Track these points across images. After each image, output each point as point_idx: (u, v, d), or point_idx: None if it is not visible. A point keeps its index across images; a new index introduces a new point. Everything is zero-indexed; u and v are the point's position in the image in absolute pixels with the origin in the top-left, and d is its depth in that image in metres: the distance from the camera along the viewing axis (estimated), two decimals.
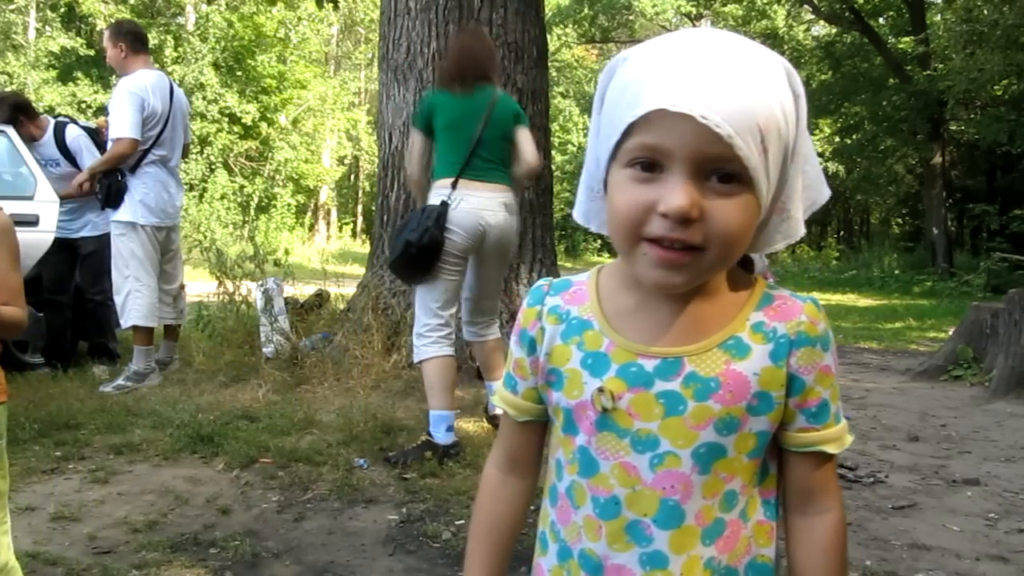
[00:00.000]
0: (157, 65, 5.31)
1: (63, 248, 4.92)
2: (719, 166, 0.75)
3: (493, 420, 3.71)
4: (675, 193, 0.75)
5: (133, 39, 4.74)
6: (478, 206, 3.34)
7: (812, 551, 0.88)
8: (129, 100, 4.54)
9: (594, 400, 0.84)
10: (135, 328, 4.62)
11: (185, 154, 5.09)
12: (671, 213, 0.75)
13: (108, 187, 4.58)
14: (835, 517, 0.90)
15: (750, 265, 0.89)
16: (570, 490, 0.87)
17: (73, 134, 5.11)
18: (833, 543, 0.89)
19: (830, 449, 0.88)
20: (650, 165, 0.77)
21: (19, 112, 4.99)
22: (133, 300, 4.59)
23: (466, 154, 3.34)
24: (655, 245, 0.77)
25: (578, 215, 0.93)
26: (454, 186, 3.34)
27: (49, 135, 5.08)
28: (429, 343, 3.33)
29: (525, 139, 3.46)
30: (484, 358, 3.71)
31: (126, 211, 4.61)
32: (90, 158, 4.96)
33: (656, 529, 0.83)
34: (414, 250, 3.24)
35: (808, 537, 0.89)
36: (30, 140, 4.97)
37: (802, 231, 0.88)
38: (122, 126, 4.51)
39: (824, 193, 0.88)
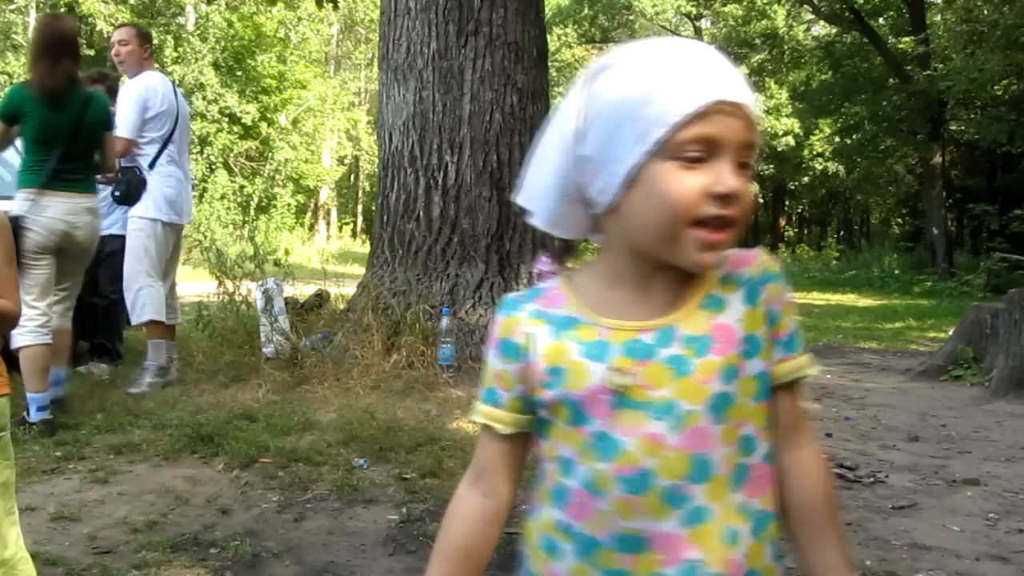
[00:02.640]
0: (157, 66, 5.36)
1: None
2: (747, 152, 0.84)
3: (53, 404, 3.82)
4: (730, 176, 0.82)
5: (151, 43, 4.95)
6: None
7: (804, 484, 0.93)
8: (131, 102, 4.60)
9: (606, 382, 0.87)
10: (151, 323, 4.63)
11: None
12: (731, 193, 0.82)
13: (128, 183, 4.59)
14: (815, 448, 0.96)
15: None
16: (590, 482, 0.88)
17: None
18: (821, 472, 0.94)
19: (810, 372, 0.93)
20: (700, 155, 0.82)
21: None
22: (146, 296, 4.60)
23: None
24: (703, 228, 0.83)
25: (542, 222, 0.94)
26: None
27: None
28: (25, 332, 3.60)
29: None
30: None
31: (147, 207, 4.62)
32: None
33: (693, 486, 0.86)
34: None
35: (798, 470, 0.93)
36: None
37: None
38: (120, 124, 4.53)
39: None
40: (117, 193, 4.64)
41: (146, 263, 4.63)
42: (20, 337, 3.60)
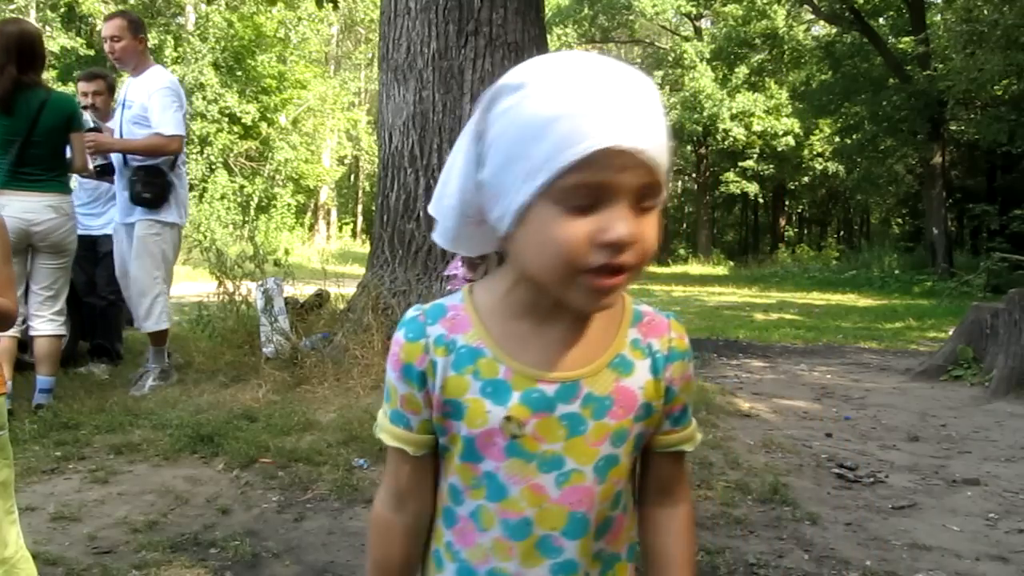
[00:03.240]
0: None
1: (85, 247, 4.90)
2: (648, 194, 0.79)
3: (36, 410, 3.92)
4: (620, 223, 0.77)
5: (146, 35, 4.72)
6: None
7: (670, 539, 0.97)
8: (171, 96, 4.49)
9: (503, 428, 0.87)
10: (162, 331, 4.60)
11: None
12: (620, 242, 0.77)
13: (161, 187, 4.49)
14: (688, 507, 1.00)
15: None
16: (476, 514, 0.90)
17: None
18: (689, 530, 0.99)
19: (688, 447, 0.97)
20: (588, 203, 0.77)
21: None
22: (163, 303, 4.56)
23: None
24: (595, 275, 0.79)
25: (444, 241, 0.91)
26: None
27: None
28: None
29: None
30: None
31: (170, 212, 4.57)
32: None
33: (566, 540, 0.88)
34: None
35: (668, 524, 0.98)
36: None
37: None
38: (171, 123, 4.45)
39: None
40: (147, 195, 4.49)
41: (164, 268, 4.58)
42: None
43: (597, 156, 0.75)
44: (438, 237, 0.92)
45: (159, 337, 4.63)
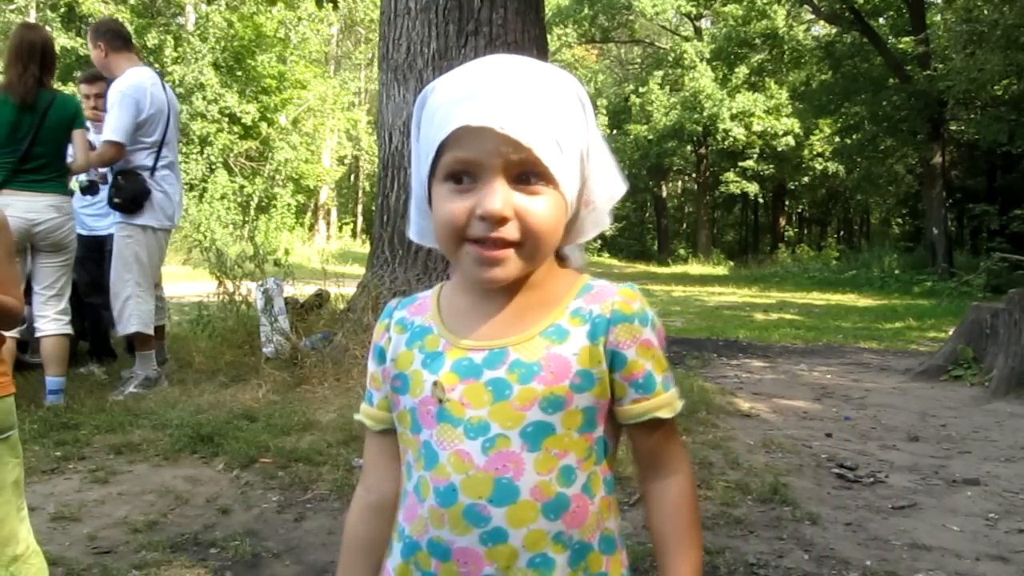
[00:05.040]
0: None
1: (91, 247, 4.89)
2: (524, 170, 0.87)
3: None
4: (489, 197, 0.86)
5: (112, 37, 4.58)
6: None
7: (664, 512, 0.96)
8: (121, 102, 4.40)
9: (432, 393, 0.92)
10: (137, 335, 4.51)
11: None
12: (488, 215, 0.86)
13: (130, 190, 4.44)
14: (681, 478, 0.97)
15: (565, 261, 1.01)
16: (417, 486, 0.93)
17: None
18: (682, 502, 0.96)
19: (662, 414, 0.94)
20: (464, 176, 0.88)
21: None
22: (134, 306, 4.48)
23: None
24: (476, 245, 0.88)
25: (413, 234, 1.01)
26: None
27: None
28: None
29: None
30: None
31: (144, 216, 4.50)
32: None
33: (492, 508, 0.88)
34: None
35: (660, 499, 0.96)
36: None
37: (608, 221, 1.00)
38: (110, 129, 4.38)
39: (620, 186, 0.99)
40: (118, 200, 4.47)
41: (136, 271, 4.49)
42: None
43: (461, 133, 0.86)
44: (410, 232, 1.02)
45: (140, 342, 4.55)
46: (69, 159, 4.27)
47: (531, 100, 0.87)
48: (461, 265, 0.91)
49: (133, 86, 4.46)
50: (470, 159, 0.87)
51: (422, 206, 0.96)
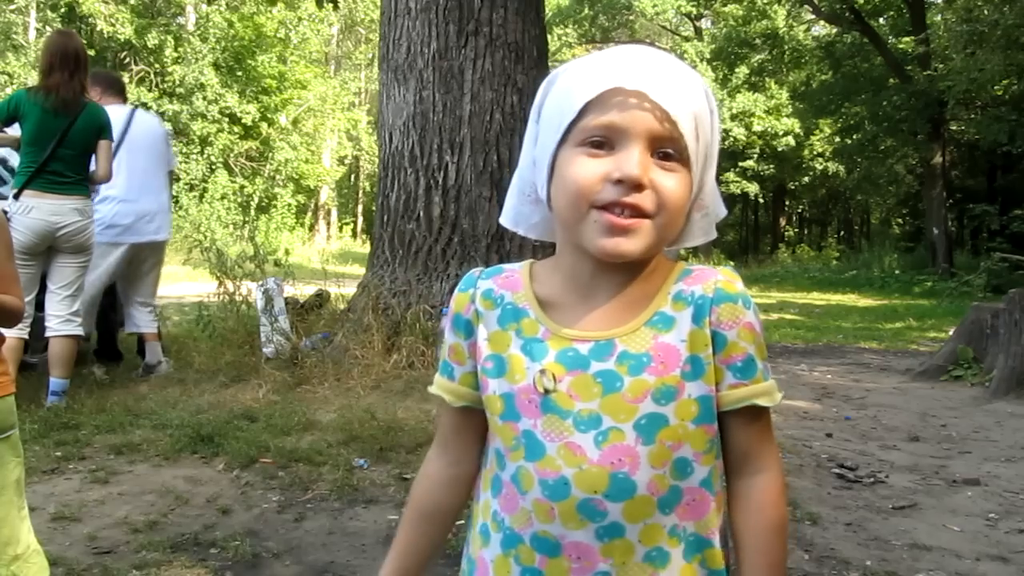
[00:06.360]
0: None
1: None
2: (664, 145, 0.85)
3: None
4: (629, 161, 0.83)
5: (105, 87, 4.92)
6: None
7: (748, 510, 0.90)
8: None
9: (536, 382, 0.88)
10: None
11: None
12: (627, 178, 0.83)
13: None
14: (771, 476, 0.92)
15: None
16: (516, 477, 0.90)
17: None
18: (768, 501, 0.91)
19: (762, 402, 0.89)
20: (602, 143, 0.85)
21: None
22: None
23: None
24: (605, 212, 0.84)
25: (506, 220, 0.99)
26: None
27: None
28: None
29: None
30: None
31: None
32: None
33: (609, 503, 0.85)
34: None
35: (746, 497, 0.91)
36: None
37: (714, 233, 0.98)
38: None
39: (722, 210, 0.96)
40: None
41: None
42: None
43: (605, 96, 0.84)
44: (502, 217, 0.99)
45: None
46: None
47: (679, 80, 0.86)
48: (584, 235, 0.86)
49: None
50: (615, 123, 0.84)
51: (526, 190, 0.95)
